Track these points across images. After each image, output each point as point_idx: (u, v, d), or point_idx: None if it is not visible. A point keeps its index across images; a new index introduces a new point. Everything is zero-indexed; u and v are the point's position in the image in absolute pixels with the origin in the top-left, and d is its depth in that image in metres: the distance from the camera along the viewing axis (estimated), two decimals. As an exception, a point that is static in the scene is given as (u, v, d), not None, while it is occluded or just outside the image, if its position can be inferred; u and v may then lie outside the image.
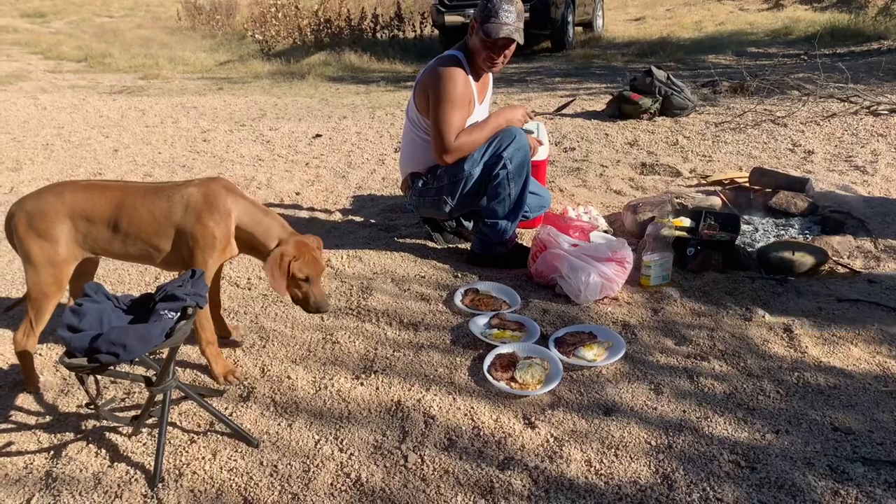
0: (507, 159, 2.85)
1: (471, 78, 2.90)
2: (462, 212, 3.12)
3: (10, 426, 2.06)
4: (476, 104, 2.95)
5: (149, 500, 1.74)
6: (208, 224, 2.06)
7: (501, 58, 2.87)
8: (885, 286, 2.71)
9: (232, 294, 2.88)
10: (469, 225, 3.35)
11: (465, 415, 2.03)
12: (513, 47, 2.86)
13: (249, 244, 2.15)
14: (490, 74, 3.07)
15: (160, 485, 1.78)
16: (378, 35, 12.75)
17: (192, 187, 2.11)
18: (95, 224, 2.07)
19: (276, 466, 1.84)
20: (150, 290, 2.13)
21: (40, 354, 2.44)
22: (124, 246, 2.10)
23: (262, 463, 1.86)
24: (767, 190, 3.62)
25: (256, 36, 12.85)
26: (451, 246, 3.30)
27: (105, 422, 2.03)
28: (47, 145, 5.79)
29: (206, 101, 8.01)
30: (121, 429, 2.01)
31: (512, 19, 2.76)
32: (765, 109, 5.76)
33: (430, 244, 3.33)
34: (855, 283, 2.76)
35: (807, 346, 2.32)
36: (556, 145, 5.21)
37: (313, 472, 1.82)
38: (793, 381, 2.13)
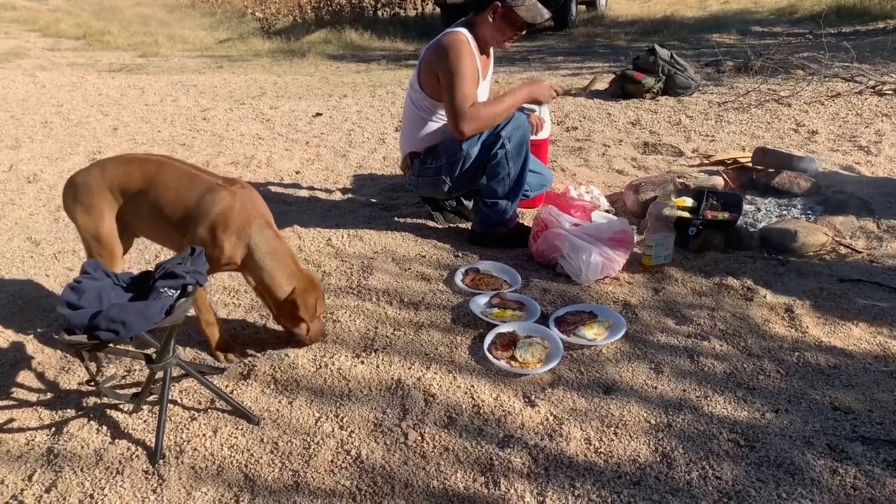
0: (505, 138, 2.83)
1: (476, 53, 2.87)
2: (461, 191, 3.11)
3: (11, 403, 2.07)
4: (480, 80, 2.93)
5: (150, 477, 1.75)
6: (222, 240, 2.04)
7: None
8: (886, 266, 2.70)
9: (233, 273, 2.86)
10: (469, 204, 3.34)
11: (466, 393, 2.03)
12: None
13: (257, 277, 2.11)
14: (492, 51, 3.04)
15: (161, 461, 1.79)
16: (379, 13, 12.65)
17: (223, 192, 2.04)
18: (131, 198, 2.10)
19: (276, 443, 1.85)
20: (149, 268, 2.13)
21: (40, 331, 2.45)
22: (153, 225, 2.12)
23: (262, 440, 1.87)
24: (770, 170, 3.60)
25: (256, 14, 12.75)
26: (451, 225, 3.29)
27: (106, 399, 2.03)
28: (46, 123, 5.76)
29: (206, 80, 7.96)
30: (122, 406, 2.02)
31: None
32: (768, 89, 5.71)
33: (431, 224, 3.32)
34: (857, 263, 2.75)
35: (807, 326, 2.32)
36: (558, 124, 5.18)
37: (314, 449, 1.83)
38: (793, 361, 2.13)
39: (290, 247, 2.18)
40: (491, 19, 2.83)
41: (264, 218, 2.12)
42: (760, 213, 3.30)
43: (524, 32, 2.95)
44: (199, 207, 2.03)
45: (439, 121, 2.98)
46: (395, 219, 3.42)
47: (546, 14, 2.88)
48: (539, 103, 3.06)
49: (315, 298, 2.15)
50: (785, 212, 3.29)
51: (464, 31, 2.85)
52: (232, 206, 2.04)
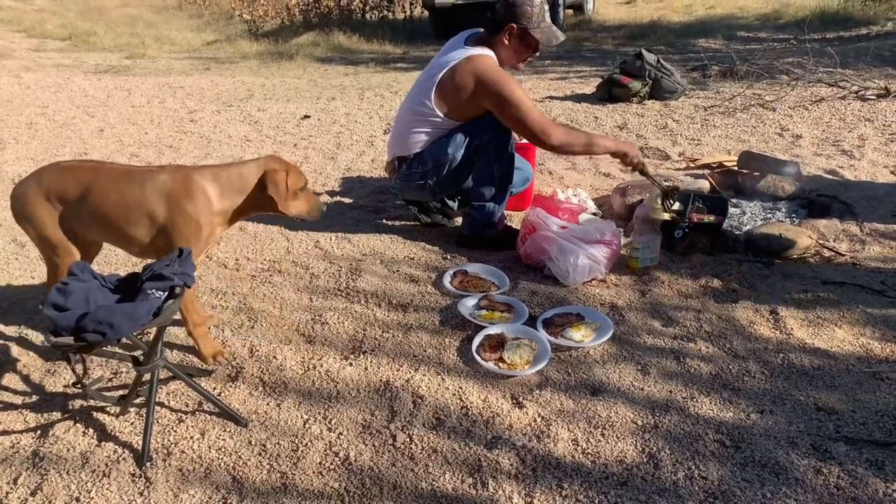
0: (489, 142, 2.85)
1: None
2: (445, 193, 3.13)
3: (-4, 406, 2.05)
4: None
5: (137, 479, 1.74)
6: (187, 210, 2.05)
7: None
8: (869, 269, 2.74)
9: (220, 275, 2.86)
10: (454, 205, 3.35)
11: (454, 395, 2.04)
12: None
13: (248, 201, 2.15)
14: None
15: (148, 464, 1.78)
16: (367, 16, 12.65)
17: (163, 174, 2.09)
18: (71, 205, 2.09)
19: (264, 445, 1.85)
20: (136, 270, 2.12)
21: (25, 336, 2.43)
22: (104, 228, 2.11)
23: (250, 442, 1.86)
24: (755, 174, 3.63)
25: (244, 16, 12.70)
26: (438, 225, 3.30)
27: (92, 401, 2.02)
28: (31, 124, 5.71)
29: (193, 81, 7.92)
30: (108, 408, 2.00)
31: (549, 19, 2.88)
32: (754, 94, 5.77)
33: (419, 226, 3.32)
34: (840, 266, 2.79)
35: (792, 328, 2.34)
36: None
37: (302, 451, 1.82)
38: (778, 363, 2.15)
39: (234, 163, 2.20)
40: (507, 41, 2.86)
41: (206, 167, 2.16)
42: (746, 216, 3.33)
43: (538, 54, 2.99)
44: (148, 196, 2.05)
45: (437, 133, 2.96)
46: (384, 221, 3.42)
47: (561, 37, 2.93)
48: (624, 158, 2.90)
49: (284, 175, 2.15)
50: (770, 215, 3.32)
51: (490, 53, 2.85)
52: (175, 181, 2.08)
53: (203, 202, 2.07)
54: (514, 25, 2.81)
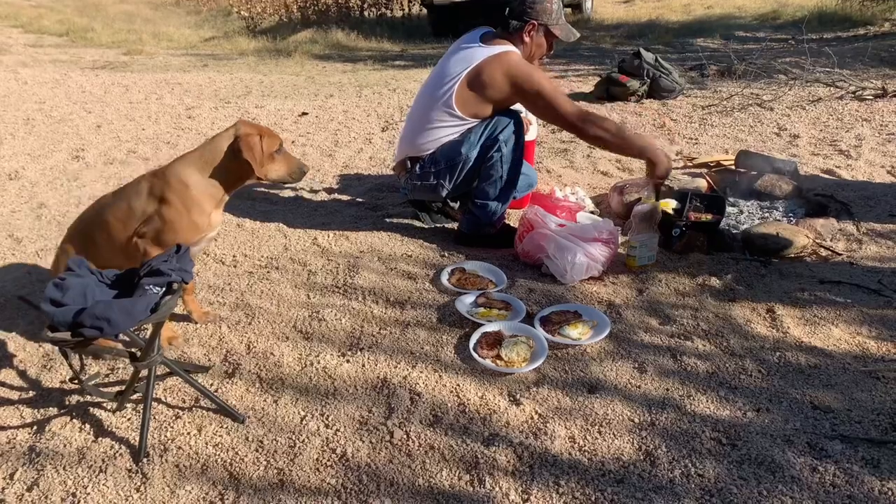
0: (502, 142, 2.86)
1: None
2: (457, 193, 3.12)
3: (-8, 401, 2.05)
4: None
5: (133, 475, 1.74)
6: (176, 204, 2.08)
7: None
8: (866, 268, 2.75)
9: (218, 271, 2.86)
10: (455, 205, 3.34)
11: (451, 392, 2.04)
12: None
13: (228, 172, 2.16)
14: None
15: (145, 460, 1.78)
16: (366, 13, 12.61)
17: (143, 181, 2.15)
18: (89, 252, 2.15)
19: (261, 442, 1.85)
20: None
21: (22, 329, 2.42)
22: (123, 256, 2.15)
23: (247, 438, 1.86)
24: (753, 173, 3.64)
25: (242, 12, 12.64)
26: (437, 225, 3.30)
27: (89, 397, 2.02)
28: (28, 120, 5.70)
29: (191, 78, 7.90)
30: (105, 404, 2.00)
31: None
32: (751, 93, 5.77)
33: (417, 223, 3.32)
34: (837, 265, 2.79)
35: (788, 327, 2.35)
36: (544, 126, 5.19)
37: (299, 447, 1.82)
38: (774, 361, 2.16)
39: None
40: (528, 39, 2.87)
41: (177, 164, 2.18)
42: (743, 215, 3.33)
43: (553, 52, 3.01)
44: (135, 207, 2.11)
45: (452, 133, 2.94)
46: (382, 218, 3.42)
47: (577, 34, 2.95)
48: (651, 167, 2.91)
49: (258, 138, 2.15)
50: (767, 214, 3.33)
51: (514, 49, 2.86)
52: (155, 182, 2.13)
53: (188, 191, 2.10)
54: (535, 22, 2.83)
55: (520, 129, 2.89)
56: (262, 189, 3.95)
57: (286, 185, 4.03)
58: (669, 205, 2.88)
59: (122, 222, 2.10)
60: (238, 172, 2.16)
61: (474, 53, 2.84)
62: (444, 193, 3.04)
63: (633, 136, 2.92)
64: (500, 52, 2.83)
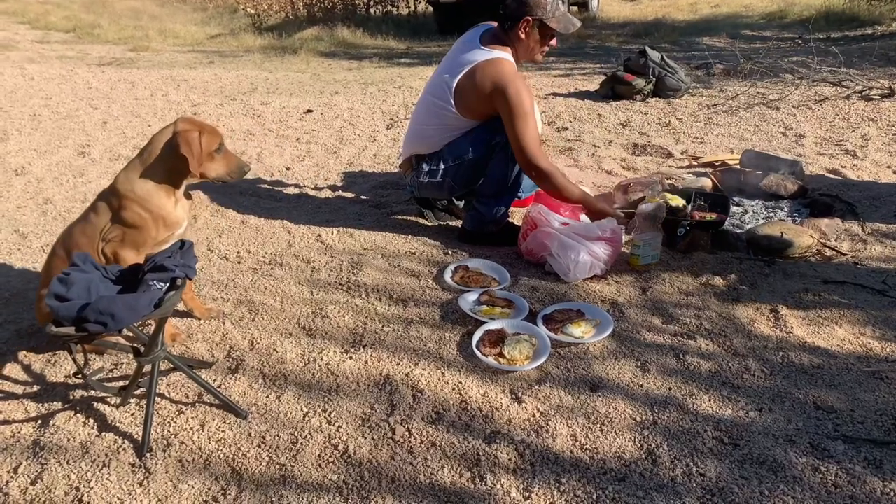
0: (508, 140, 2.84)
1: None
2: (463, 191, 3.11)
3: (-3, 395, 2.06)
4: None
5: (136, 470, 1.75)
6: (132, 207, 2.09)
7: None
8: (870, 268, 2.74)
9: (221, 267, 2.87)
10: (460, 203, 3.35)
11: (453, 389, 2.04)
12: None
13: (169, 170, 2.15)
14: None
15: (148, 454, 1.79)
16: (371, 11, 12.63)
17: (99, 200, 2.17)
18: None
19: (264, 438, 1.85)
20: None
21: (26, 324, 2.43)
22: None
23: (250, 434, 1.87)
24: (758, 172, 3.63)
25: (248, 9, 12.68)
26: (441, 223, 3.30)
27: (93, 392, 2.03)
28: (35, 116, 5.72)
29: (197, 75, 7.92)
30: (109, 399, 2.01)
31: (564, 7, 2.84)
32: (757, 92, 5.76)
33: (421, 221, 3.33)
34: (841, 265, 2.78)
35: (792, 327, 2.34)
36: (549, 125, 5.20)
37: (301, 443, 1.83)
38: (777, 361, 2.15)
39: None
40: (523, 35, 2.81)
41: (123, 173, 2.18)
42: (748, 214, 3.33)
43: (556, 44, 2.96)
44: (97, 223, 2.13)
45: (456, 131, 2.95)
46: (386, 215, 3.42)
47: (577, 23, 2.88)
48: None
49: (196, 135, 2.12)
50: (772, 214, 3.32)
51: (508, 57, 2.81)
52: (106, 193, 2.16)
53: (138, 195, 2.11)
54: (530, 18, 2.77)
55: None
56: (267, 186, 3.96)
57: (288, 184, 4.04)
58: (678, 200, 2.88)
59: (90, 239, 2.12)
60: (178, 168, 2.14)
61: (473, 56, 2.83)
62: (450, 191, 3.04)
63: (578, 193, 2.88)
64: (493, 57, 2.80)
